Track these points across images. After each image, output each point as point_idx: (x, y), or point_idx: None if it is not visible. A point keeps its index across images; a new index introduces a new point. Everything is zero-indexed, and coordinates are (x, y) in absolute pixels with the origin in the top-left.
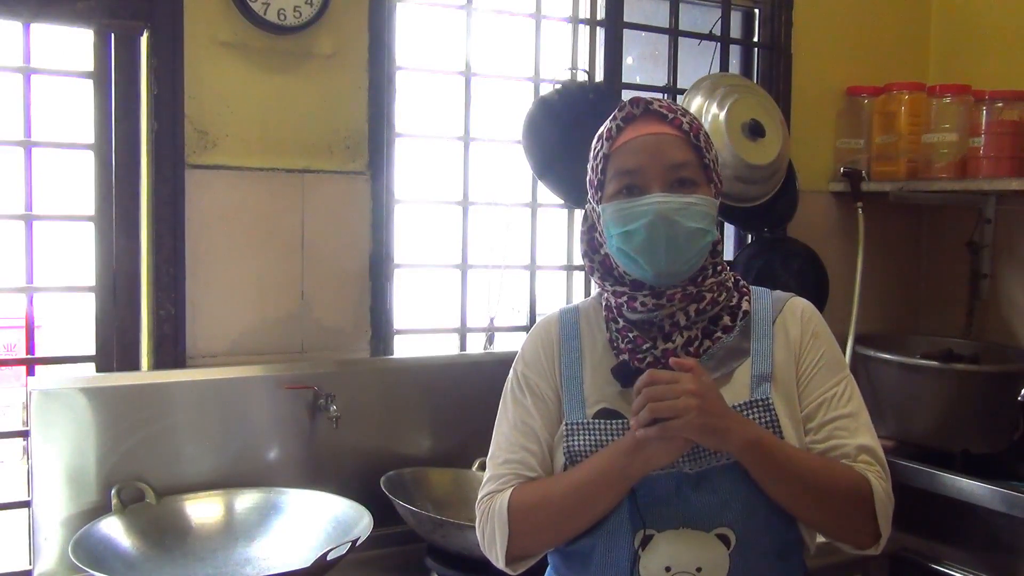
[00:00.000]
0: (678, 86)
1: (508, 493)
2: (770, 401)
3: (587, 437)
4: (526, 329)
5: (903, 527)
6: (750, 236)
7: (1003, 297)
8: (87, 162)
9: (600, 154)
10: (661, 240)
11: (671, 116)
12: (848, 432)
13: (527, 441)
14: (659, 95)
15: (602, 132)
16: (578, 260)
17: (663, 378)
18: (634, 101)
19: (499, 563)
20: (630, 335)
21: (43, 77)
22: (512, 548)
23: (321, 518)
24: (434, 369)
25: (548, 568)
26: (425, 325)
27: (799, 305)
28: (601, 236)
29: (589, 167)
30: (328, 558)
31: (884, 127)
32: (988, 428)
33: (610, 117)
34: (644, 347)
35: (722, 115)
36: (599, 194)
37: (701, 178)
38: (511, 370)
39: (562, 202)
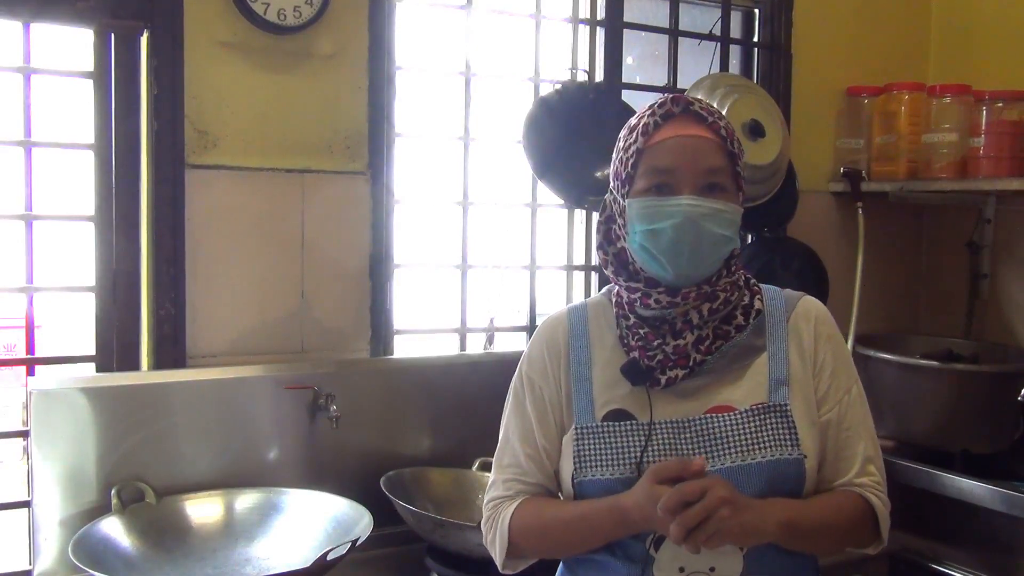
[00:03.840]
0: (678, 86)
1: (511, 510)
2: (788, 407)
3: (597, 440)
4: (526, 329)
5: (903, 527)
6: (750, 236)
7: (1003, 297)
8: (87, 162)
9: (633, 148)
10: (687, 243)
11: (710, 119)
12: (858, 438)
13: (524, 445)
14: (661, 95)
15: (636, 125)
16: (578, 260)
17: (691, 493)
18: (675, 99)
19: (498, 565)
20: (641, 331)
21: (43, 77)
22: (511, 556)
23: (321, 518)
24: (434, 369)
25: (560, 566)
26: (425, 325)
27: (812, 307)
28: (620, 229)
29: (616, 158)
30: (328, 558)
31: (884, 127)
32: (988, 428)
33: (647, 111)
34: (655, 344)
35: None
36: (626, 188)
37: (731, 185)
38: (517, 368)
39: (562, 202)
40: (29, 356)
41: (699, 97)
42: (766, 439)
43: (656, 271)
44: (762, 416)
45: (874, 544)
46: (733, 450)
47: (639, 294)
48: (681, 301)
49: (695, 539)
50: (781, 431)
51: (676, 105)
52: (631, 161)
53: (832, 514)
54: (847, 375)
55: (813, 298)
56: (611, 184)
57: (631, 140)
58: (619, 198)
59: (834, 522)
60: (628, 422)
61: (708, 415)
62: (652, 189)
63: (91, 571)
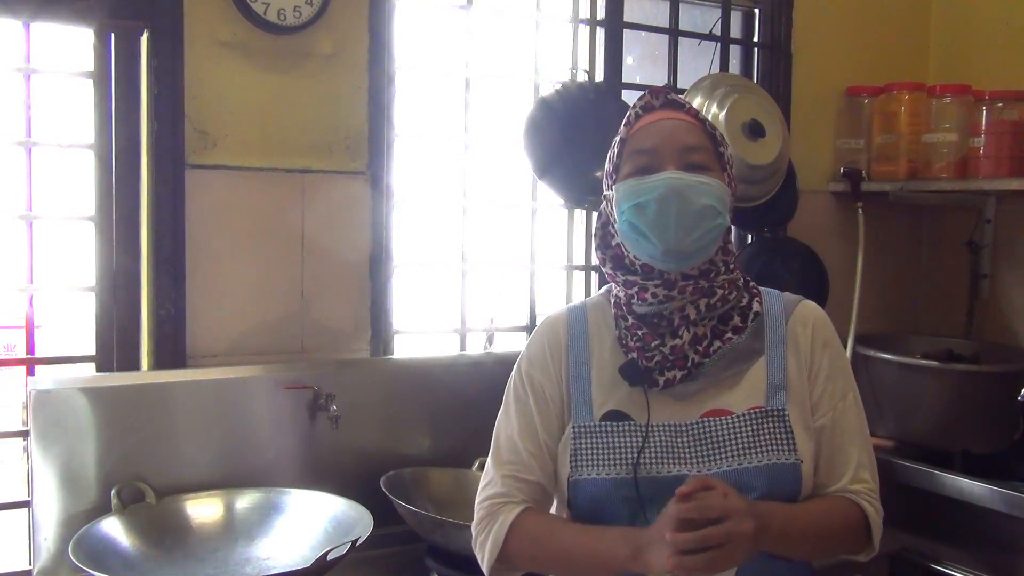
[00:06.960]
0: (678, 86)
1: (512, 515)
2: (785, 413)
3: (594, 440)
4: (526, 329)
5: (903, 527)
6: (750, 236)
7: (1003, 297)
8: (87, 162)
9: (617, 140)
10: (672, 214)
11: (687, 106)
12: (852, 444)
13: (526, 442)
14: None
15: (622, 125)
16: (578, 260)
17: (712, 508)
18: (654, 91)
19: (484, 569)
20: (639, 332)
21: (43, 77)
22: (499, 566)
23: (321, 518)
24: (434, 369)
25: None
26: (425, 325)
27: (810, 312)
28: (614, 228)
29: (607, 158)
30: (328, 558)
31: (884, 127)
32: (988, 428)
33: (631, 106)
34: (653, 344)
35: (722, 115)
36: (613, 178)
37: (714, 165)
38: (515, 366)
39: (562, 202)
40: (29, 356)
41: (696, 99)
42: (763, 444)
43: (646, 250)
44: (759, 421)
45: (866, 551)
46: (729, 454)
47: (636, 288)
48: (678, 295)
49: (700, 561)
50: (778, 436)
51: (656, 97)
52: (616, 153)
53: (823, 520)
54: (843, 381)
55: (812, 302)
56: (604, 185)
57: (616, 137)
58: (609, 192)
59: (825, 528)
60: (625, 423)
61: (705, 419)
62: (636, 171)
63: (91, 571)
